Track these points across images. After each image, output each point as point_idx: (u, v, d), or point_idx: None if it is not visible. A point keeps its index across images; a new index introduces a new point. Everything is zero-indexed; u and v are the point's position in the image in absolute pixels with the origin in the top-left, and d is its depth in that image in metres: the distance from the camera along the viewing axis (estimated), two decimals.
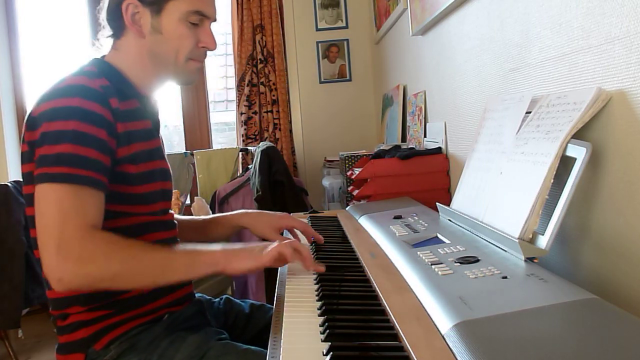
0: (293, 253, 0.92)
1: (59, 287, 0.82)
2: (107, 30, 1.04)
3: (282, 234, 1.24)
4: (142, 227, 1.01)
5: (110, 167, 0.92)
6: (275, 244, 0.92)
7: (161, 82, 1.08)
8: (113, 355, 0.95)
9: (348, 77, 3.23)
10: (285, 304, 0.82)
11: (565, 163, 0.82)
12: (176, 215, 1.27)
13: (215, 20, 1.06)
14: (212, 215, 1.29)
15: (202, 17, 1.03)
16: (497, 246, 0.88)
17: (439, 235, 1.02)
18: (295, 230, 1.23)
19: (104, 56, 1.06)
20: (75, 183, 0.85)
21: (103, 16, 1.04)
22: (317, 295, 0.84)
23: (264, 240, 1.14)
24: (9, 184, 2.26)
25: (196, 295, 1.16)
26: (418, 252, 0.91)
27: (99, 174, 0.88)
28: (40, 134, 0.88)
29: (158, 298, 1.02)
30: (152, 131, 1.06)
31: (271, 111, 3.15)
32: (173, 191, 1.25)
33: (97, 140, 0.89)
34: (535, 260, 0.79)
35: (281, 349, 0.65)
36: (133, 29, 1.01)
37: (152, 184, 1.02)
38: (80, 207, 0.85)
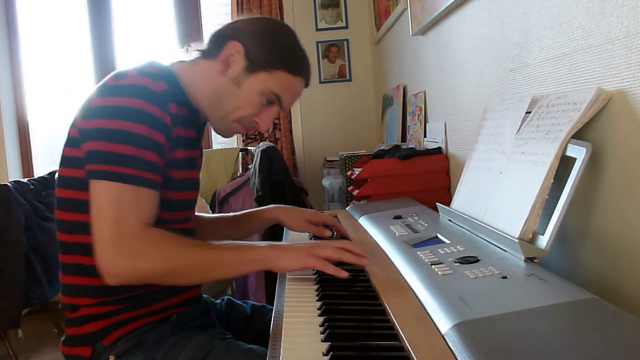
0: (342, 253, 0.91)
1: (113, 281, 0.86)
2: (203, 45, 1.05)
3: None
4: None
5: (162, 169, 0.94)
6: (325, 245, 0.92)
7: (203, 113, 1.07)
8: (119, 352, 0.96)
9: (348, 77, 3.22)
10: (285, 304, 0.82)
11: (565, 163, 0.82)
12: (205, 215, 1.29)
13: (285, 111, 1.06)
14: (245, 211, 1.30)
15: (277, 101, 1.04)
16: (497, 246, 0.88)
17: (439, 235, 1.02)
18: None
19: (180, 62, 1.06)
20: (136, 184, 0.88)
21: (213, 32, 1.05)
22: (317, 295, 0.84)
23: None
24: (9, 184, 2.25)
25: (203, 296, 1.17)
26: (418, 252, 0.91)
27: (157, 175, 0.92)
28: (97, 129, 0.90)
29: (168, 297, 1.03)
30: (195, 141, 1.07)
31: None
32: None
33: (157, 144, 0.92)
34: (535, 260, 0.79)
35: (281, 349, 0.65)
36: (220, 65, 1.01)
37: (184, 192, 1.04)
38: (138, 206, 0.88)
